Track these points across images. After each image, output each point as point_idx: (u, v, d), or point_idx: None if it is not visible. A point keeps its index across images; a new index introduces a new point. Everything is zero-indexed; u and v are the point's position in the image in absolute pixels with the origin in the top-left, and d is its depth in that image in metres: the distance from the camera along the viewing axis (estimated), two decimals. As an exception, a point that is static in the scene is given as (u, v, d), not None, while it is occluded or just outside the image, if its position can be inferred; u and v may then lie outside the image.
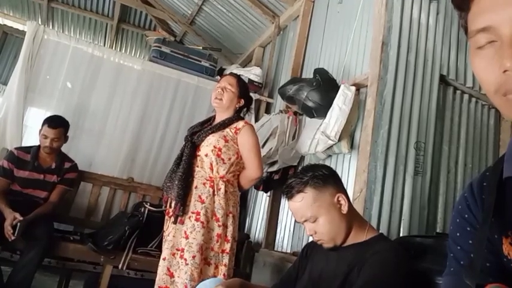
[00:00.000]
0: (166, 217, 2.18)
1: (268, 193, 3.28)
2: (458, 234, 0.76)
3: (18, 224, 2.40)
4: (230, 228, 2.07)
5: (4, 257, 2.59)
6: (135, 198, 3.35)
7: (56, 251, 2.63)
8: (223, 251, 2.04)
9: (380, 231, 1.62)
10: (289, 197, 1.45)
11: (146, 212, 2.89)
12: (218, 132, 2.16)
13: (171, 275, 1.97)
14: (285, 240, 3.04)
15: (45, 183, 2.78)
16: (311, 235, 1.45)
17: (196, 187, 2.10)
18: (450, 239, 0.78)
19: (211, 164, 2.12)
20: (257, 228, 3.53)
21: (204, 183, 2.10)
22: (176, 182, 2.06)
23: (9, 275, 2.44)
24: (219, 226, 2.04)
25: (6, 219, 2.44)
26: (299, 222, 1.47)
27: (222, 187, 2.09)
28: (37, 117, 3.32)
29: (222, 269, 2.02)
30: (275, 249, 3.11)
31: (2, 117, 3.22)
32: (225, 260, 2.03)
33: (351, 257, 1.36)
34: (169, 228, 2.07)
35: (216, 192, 2.08)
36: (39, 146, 2.80)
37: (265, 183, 3.11)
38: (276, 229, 3.20)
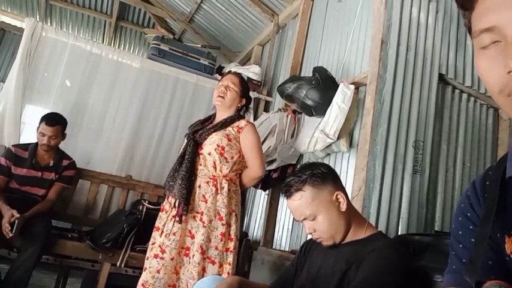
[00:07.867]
0: (160, 213, 2.16)
1: (267, 191, 3.28)
2: (460, 232, 0.77)
3: (16, 221, 2.39)
4: (233, 227, 2.07)
5: (2, 254, 2.59)
6: (134, 196, 3.35)
7: (54, 249, 2.63)
8: (227, 250, 2.04)
9: (378, 229, 1.62)
10: (288, 195, 1.45)
11: (144, 209, 2.89)
12: (221, 130, 2.15)
13: (177, 273, 1.99)
14: (283, 238, 3.04)
15: (43, 181, 2.78)
16: (310, 233, 1.45)
17: (199, 186, 2.08)
18: (452, 237, 0.78)
19: (214, 163, 2.11)
20: (255, 226, 3.53)
21: (207, 182, 2.09)
22: (179, 181, 2.04)
23: (6, 273, 2.44)
24: (222, 225, 2.03)
25: (3, 216, 2.43)
26: (298, 220, 1.47)
27: (226, 186, 2.08)
28: (35, 114, 3.29)
29: (227, 268, 2.02)
30: (273, 247, 3.11)
31: (0, 115, 3.20)
32: (230, 258, 2.03)
33: (350, 254, 1.36)
34: (173, 227, 2.03)
35: (219, 191, 2.07)
36: (36, 144, 2.79)
37: (263, 182, 3.10)
38: (274, 227, 3.20)
